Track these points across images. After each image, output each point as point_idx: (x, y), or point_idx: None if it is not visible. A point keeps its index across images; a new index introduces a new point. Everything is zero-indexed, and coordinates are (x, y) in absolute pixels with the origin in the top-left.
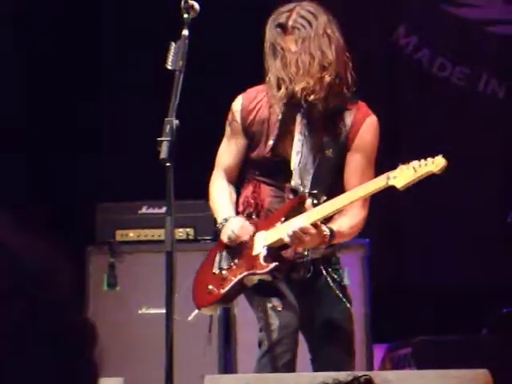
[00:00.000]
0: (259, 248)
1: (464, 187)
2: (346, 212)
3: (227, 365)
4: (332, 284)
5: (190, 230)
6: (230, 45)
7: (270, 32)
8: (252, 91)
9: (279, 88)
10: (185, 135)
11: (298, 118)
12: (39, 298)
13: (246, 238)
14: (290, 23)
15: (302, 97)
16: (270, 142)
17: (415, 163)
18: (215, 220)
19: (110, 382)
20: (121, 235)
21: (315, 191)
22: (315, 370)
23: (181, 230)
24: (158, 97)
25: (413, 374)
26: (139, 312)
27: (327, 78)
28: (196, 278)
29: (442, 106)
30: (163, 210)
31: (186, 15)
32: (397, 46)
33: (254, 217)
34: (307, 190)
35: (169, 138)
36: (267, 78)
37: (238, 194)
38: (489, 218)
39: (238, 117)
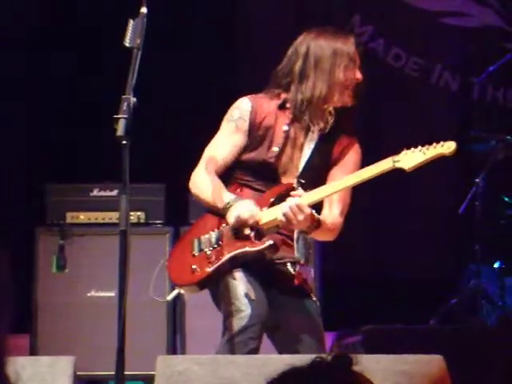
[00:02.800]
0: (246, 230)
1: (415, 179)
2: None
3: (176, 349)
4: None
5: (142, 214)
6: (193, 24)
7: (348, 46)
8: (258, 97)
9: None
10: (139, 116)
11: (309, 135)
12: None
13: (250, 221)
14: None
15: (330, 119)
16: (275, 149)
17: (424, 147)
18: (165, 203)
19: (62, 361)
20: (71, 217)
21: (303, 180)
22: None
23: (132, 213)
24: (122, 75)
25: (369, 358)
26: (88, 295)
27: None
28: (171, 259)
29: (396, 96)
30: (115, 192)
31: None
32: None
33: None
34: (296, 179)
35: (126, 116)
36: (303, 86)
37: None
38: (440, 210)
39: (246, 115)
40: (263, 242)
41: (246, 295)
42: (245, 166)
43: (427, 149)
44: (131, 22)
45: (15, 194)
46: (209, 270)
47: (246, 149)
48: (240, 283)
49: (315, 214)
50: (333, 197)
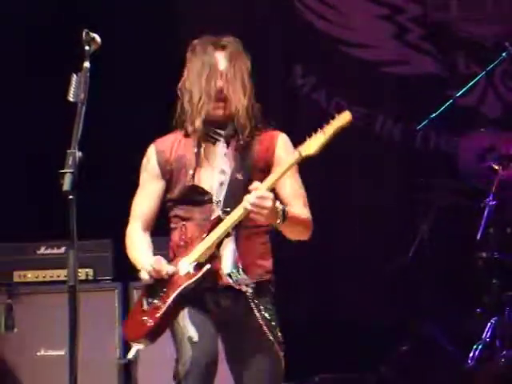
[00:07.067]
0: (185, 268)
1: (362, 227)
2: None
3: None
4: (263, 324)
5: (90, 271)
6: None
7: (201, 53)
8: (160, 139)
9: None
10: (86, 171)
11: (216, 148)
12: None
13: (164, 268)
14: (223, 41)
15: (226, 120)
16: (190, 172)
17: (323, 128)
18: (114, 259)
19: None
20: (19, 276)
21: (228, 209)
22: None
23: (80, 270)
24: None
25: None
26: (38, 354)
27: (251, 105)
28: (126, 323)
29: (341, 147)
30: (62, 250)
31: (87, 47)
32: (294, 85)
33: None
34: (220, 210)
35: (72, 170)
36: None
37: (165, 244)
38: (388, 257)
39: (153, 159)
40: (197, 273)
41: (189, 339)
42: (175, 205)
43: (326, 128)
44: (74, 77)
45: None
46: (158, 316)
47: (168, 189)
48: (184, 326)
49: (278, 205)
50: (287, 199)
